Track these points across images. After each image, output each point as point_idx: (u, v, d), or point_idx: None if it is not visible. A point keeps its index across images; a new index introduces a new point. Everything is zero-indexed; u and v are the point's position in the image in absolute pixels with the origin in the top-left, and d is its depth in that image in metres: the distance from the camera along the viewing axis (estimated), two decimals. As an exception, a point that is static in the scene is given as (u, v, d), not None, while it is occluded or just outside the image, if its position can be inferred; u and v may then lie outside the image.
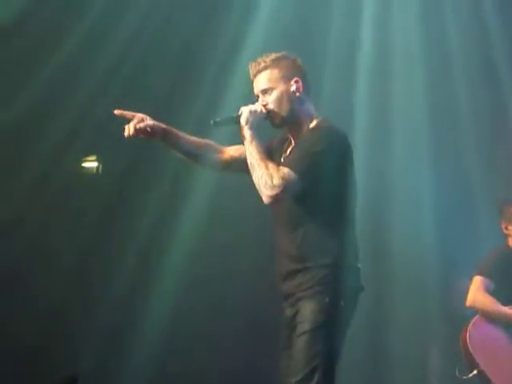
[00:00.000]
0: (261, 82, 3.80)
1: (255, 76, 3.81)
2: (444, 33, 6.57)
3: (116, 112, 3.81)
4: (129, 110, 3.83)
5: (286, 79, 3.78)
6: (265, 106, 3.76)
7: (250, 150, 3.66)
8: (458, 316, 5.66)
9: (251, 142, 3.66)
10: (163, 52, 6.69)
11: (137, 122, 3.76)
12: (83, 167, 7.31)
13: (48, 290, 6.36)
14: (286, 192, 3.59)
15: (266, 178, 3.58)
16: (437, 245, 6.50)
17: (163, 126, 3.85)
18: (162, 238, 6.67)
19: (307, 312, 3.60)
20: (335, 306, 3.60)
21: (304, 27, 6.62)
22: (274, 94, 3.77)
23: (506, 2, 6.51)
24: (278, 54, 3.82)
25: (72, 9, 6.47)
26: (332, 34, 6.54)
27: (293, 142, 3.84)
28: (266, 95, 3.78)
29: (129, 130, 3.75)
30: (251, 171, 3.65)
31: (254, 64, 3.81)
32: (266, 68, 3.78)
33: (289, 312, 3.72)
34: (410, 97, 6.63)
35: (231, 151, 3.97)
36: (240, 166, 3.81)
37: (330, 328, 3.59)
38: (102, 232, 6.75)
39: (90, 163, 7.29)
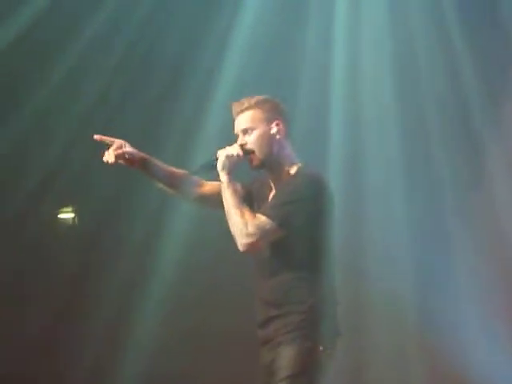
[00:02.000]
0: (242, 121, 3.79)
1: (237, 115, 3.81)
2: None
3: (96, 137, 3.84)
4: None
5: (268, 121, 3.78)
6: (243, 145, 3.76)
7: (225, 196, 3.66)
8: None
9: (227, 187, 3.66)
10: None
11: (115, 147, 3.79)
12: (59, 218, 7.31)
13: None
14: (261, 240, 3.59)
15: (241, 226, 3.57)
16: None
17: (142, 154, 3.87)
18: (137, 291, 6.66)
19: (287, 357, 3.59)
20: (314, 352, 3.59)
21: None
22: (255, 134, 3.76)
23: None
24: (262, 97, 3.82)
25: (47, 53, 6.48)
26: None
27: (273, 187, 3.83)
28: (246, 135, 3.78)
29: (108, 155, 3.78)
30: (227, 217, 3.64)
31: (236, 103, 3.82)
32: (248, 108, 3.78)
33: (267, 357, 3.70)
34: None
35: (211, 186, 3.96)
36: (218, 202, 3.76)
37: (309, 374, 3.58)
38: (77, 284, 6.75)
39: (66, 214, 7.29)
